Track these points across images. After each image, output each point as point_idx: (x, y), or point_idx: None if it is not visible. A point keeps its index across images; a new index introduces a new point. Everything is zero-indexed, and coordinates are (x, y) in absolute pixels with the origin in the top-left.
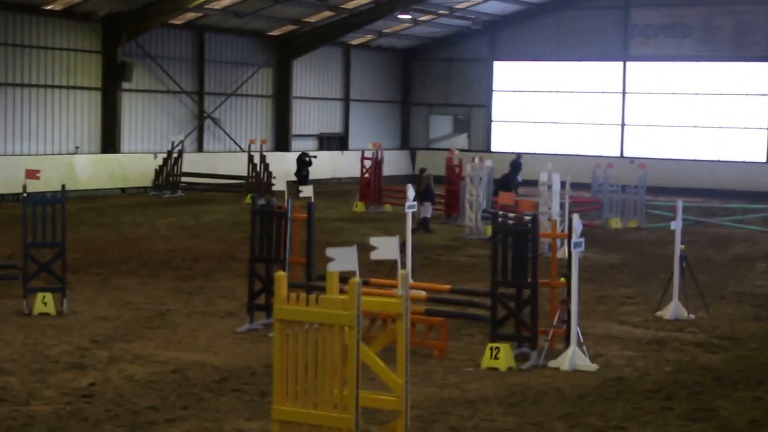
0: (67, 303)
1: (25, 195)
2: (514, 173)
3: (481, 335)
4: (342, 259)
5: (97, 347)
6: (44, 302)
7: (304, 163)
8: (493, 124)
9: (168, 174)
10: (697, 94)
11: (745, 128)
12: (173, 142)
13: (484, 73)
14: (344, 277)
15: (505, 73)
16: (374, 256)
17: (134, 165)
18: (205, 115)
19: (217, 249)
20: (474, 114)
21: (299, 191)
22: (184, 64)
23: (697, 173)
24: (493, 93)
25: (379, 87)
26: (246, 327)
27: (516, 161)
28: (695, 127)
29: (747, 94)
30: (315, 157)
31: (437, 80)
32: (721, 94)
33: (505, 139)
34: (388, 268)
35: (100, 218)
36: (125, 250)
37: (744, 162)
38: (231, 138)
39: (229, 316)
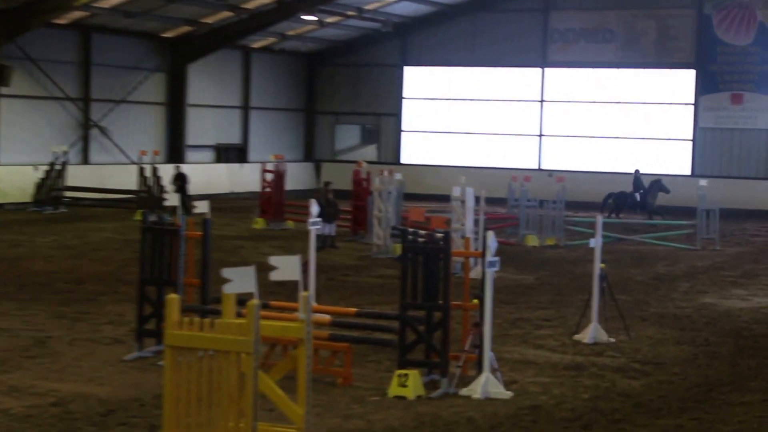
0: None
1: None
2: (644, 189)
3: (389, 361)
4: (239, 279)
5: None
6: None
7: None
8: (403, 134)
9: (50, 188)
10: (619, 102)
11: (669, 139)
12: (56, 153)
13: (395, 79)
14: (242, 300)
15: (417, 80)
16: (274, 276)
17: (12, 178)
18: (92, 123)
19: (103, 270)
20: (383, 123)
21: (193, 206)
22: (68, 67)
23: (618, 186)
24: (404, 100)
25: (281, 94)
26: (134, 355)
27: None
28: (617, 137)
29: (671, 103)
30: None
31: (344, 87)
32: (645, 102)
33: (415, 150)
34: (289, 289)
35: None
36: (1, 271)
37: (668, 175)
38: (120, 149)
39: (116, 343)
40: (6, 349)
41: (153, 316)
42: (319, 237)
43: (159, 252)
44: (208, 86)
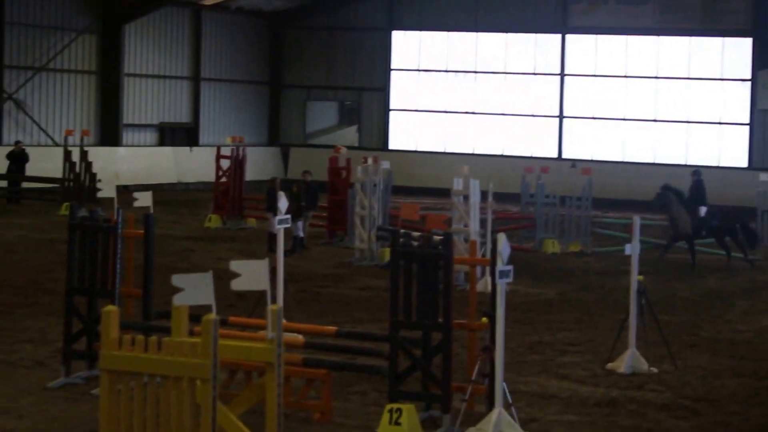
0: None
1: None
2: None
3: (377, 393)
4: (193, 289)
5: None
6: None
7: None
8: (391, 113)
9: None
10: (656, 77)
11: (720, 123)
12: None
13: (380, 46)
14: (194, 315)
15: (408, 47)
16: (236, 285)
17: None
18: (5, 95)
19: (20, 276)
20: (366, 100)
21: (134, 199)
22: None
23: (658, 181)
24: (392, 73)
25: (240, 63)
26: (61, 381)
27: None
28: (655, 120)
29: (722, 79)
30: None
31: (318, 55)
32: (689, 78)
33: (406, 133)
34: (253, 302)
35: None
36: None
37: (720, 167)
38: (40, 127)
39: (37, 366)
40: None
41: (83, 333)
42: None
43: (91, 255)
44: (150, 52)
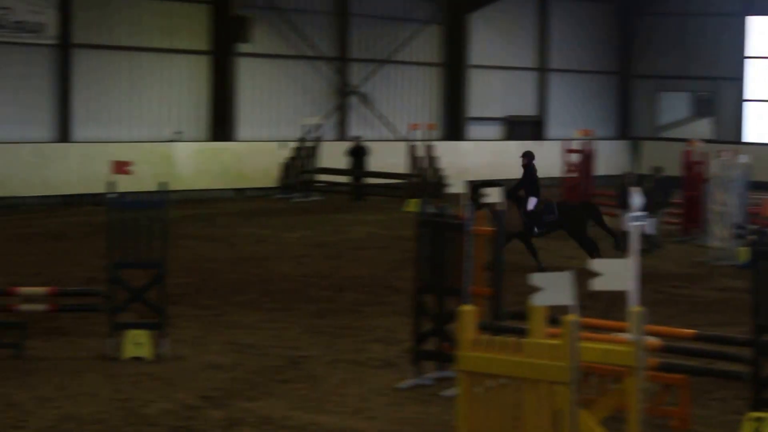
0: (168, 344)
1: (113, 196)
2: None
3: (739, 401)
4: (551, 289)
5: (209, 406)
6: (137, 342)
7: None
8: (746, 104)
9: (299, 170)
10: None
11: None
12: (306, 127)
13: (735, 32)
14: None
15: (765, 33)
16: (598, 285)
17: (254, 157)
18: (350, 89)
19: (368, 274)
20: (721, 90)
21: (481, 195)
22: (320, 19)
23: None
24: (747, 61)
25: (588, 53)
26: (411, 382)
27: None
28: None
29: None
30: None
31: (669, 43)
32: None
33: (763, 125)
34: (604, 303)
35: (208, 229)
36: (243, 273)
37: None
38: (385, 122)
39: (386, 366)
40: (254, 370)
41: (433, 333)
42: (644, 237)
43: (440, 253)
44: (495, 43)
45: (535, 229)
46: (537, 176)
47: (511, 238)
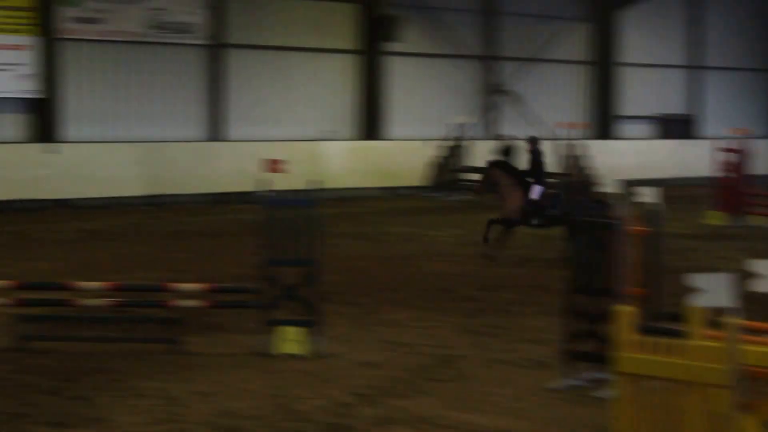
0: (324, 341)
1: (269, 194)
2: None
3: None
4: (712, 290)
5: (361, 403)
6: (291, 339)
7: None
8: None
9: (449, 169)
10: None
11: None
12: (456, 126)
13: None
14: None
15: None
16: (763, 286)
17: (403, 156)
18: (498, 88)
19: (520, 273)
20: None
21: (637, 194)
22: (469, 17)
23: None
24: None
25: (742, 49)
26: (562, 382)
27: None
28: None
29: None
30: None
31: None
32: None
33: None
34: (763, 308)
35: (358, 228)
36: (394, 272)
37: None
38: (534, 120)
39: (538, 366)
40: (406, 368)
41: (586, 333)
42: None
43: (594, 252)
44: (645, 40)
45: (533, 221)
46: (543, 162)
47: (511, 225)
